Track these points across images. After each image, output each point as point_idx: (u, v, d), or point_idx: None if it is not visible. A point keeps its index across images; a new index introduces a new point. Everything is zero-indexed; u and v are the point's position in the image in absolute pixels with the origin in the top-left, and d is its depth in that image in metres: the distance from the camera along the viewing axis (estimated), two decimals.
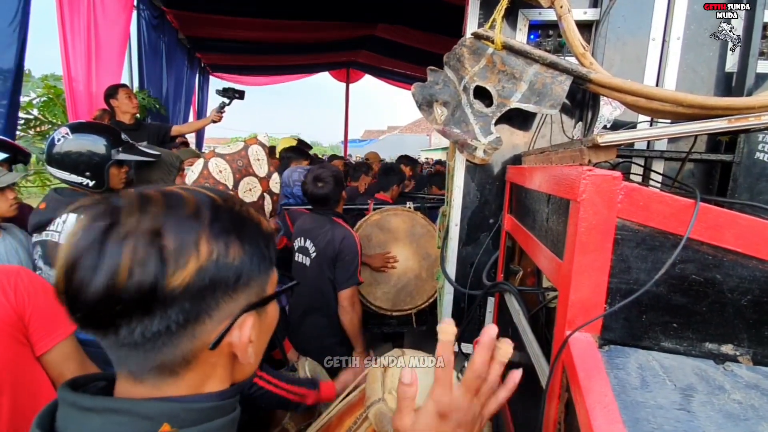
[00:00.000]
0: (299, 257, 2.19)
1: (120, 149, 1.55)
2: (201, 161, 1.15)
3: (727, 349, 0.58)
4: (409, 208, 2.80)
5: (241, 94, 3.51)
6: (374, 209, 2.77)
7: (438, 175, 4.90)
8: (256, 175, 1.17)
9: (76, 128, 1.56)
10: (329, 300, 2.09)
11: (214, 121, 3.44)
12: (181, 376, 0.45)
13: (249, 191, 1.16)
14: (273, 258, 0.50)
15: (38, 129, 4.25)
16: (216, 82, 8.32)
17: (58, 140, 1.48)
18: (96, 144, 1.51)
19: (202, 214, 0.43)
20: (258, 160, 1.19)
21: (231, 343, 0.46)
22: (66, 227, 1.42)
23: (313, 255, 2.11)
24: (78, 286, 0.38)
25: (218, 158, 1.15)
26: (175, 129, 3.42)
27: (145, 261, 0.38)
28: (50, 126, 4.26)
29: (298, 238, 2.19)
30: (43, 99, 4.15)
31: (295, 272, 2.24)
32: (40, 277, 1.03)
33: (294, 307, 2.23)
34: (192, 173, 1.14)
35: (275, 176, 1.23)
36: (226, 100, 3.46)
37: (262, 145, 1.23)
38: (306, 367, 1.59)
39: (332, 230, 2.07)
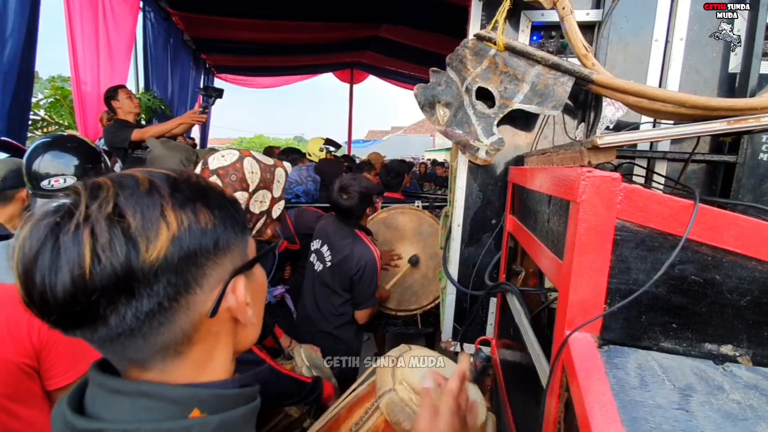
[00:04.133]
0: (313, 258, 2.15)
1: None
2: (236, 152, 1.15)
3: (727, 349, 0.59)
4: (418, 206, 2.78)
5: (219, 93, 3.36)
6: (386, 206, 2.76)
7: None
8: (271, 193, 1.20)
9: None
10: (334, 305, 2.07)
11: (198, 122, 3.10)
12: (186, 354, 0.45)
13: (260, 203, 1.18)
14: (245, 222, 0.51)
15: (45, 130, 4.30)
16: (220, 84, 8.38)
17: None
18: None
19: (160, 188, 0.42)
20: (278, 182, 1.22)
21: (229, 308, 0.47)
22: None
23: (328, 264, 2.05)
24: (42, 290, 0.37)
25: (254, 160, 1.17)
26: (136, 133, 2.90)
27: (110, 244, 0.37)
28: (57, 127, 4.31)
29: (317, 240, 2.14)
30: (50, 100, 4.20)
31: (307, 271, 2.21)
32: None
33: (303, 305, 2.21)
34: (222, 159, 1.13)
35: (282, 203, 1.26)
36: (210, 99, 3.29)
37: (286, 172, 1.26)
38: (302, 354, 1.59)
39: (352, 246, 1.99)
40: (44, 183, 1.35)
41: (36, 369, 0.92)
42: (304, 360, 1.55)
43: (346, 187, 2.02)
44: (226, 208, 0.47)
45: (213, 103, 3.23)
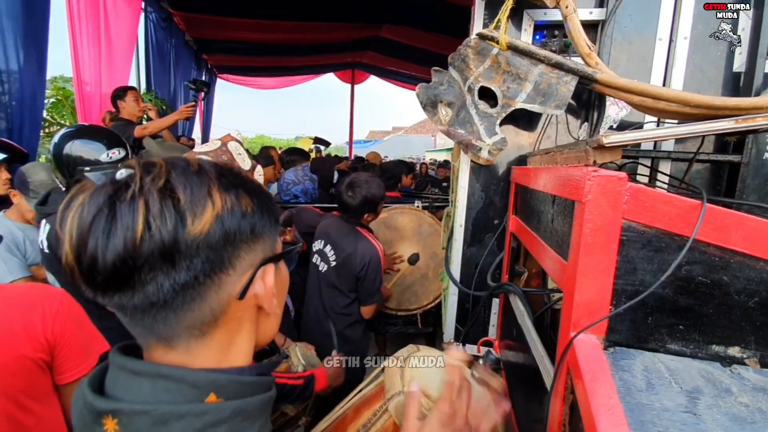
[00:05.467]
0: (316, 259, 2.14)
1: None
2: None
3: (734, 351, 0.58)
4: (418, 207, 2.78)
5: (208, 86, 3.31)
6: (385, 206, 2.76)
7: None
8: (242, 169, 1.20)
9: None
10: (341, 306, 2.07)
11: (188, 118, 3.06)
12: (210, 336, 0.46)
13: None
14: (278, 217, 0.53)
15: (47, 130, 4.31)
16: (222, 84, 8.39)
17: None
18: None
19: (208, 171, 0.45)
20: (239, 154, 1.21)
21: (256, 295, 0.48)
22: (42, 235, 1.43)
23: (332, 263, 2.05)
24: (93, 253, 0.39)
25: (202, 156, 1.16)
26: (137, 130, 2.92)
27: (161, 214, 0.40)
28: (59, 127, 4.32)
29: (319, 240, 2.14)
30: (51, 100, 4.21)
31: (310, 272, 2.20)
32: (79, 305, 1.00)
33: (307, 308, 2.21)
34: None
35: (258, 168, 1.26)
36: (200, 93, 3.22)
37: (239, 141, 1.26)
38: (298, 353, 1.59)
39: (355, 243, 1.99)
40: (103, 156, 1.48)
41: (49, 364, 0.95)
42: (300, 359, 1.55)
43: (354, 186, 2.03)
44: (263, 199, 0.49)
45: (204, 98, 3.17)
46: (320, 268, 2.11)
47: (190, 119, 3.16)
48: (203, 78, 7.15)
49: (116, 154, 1.51)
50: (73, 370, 0.96)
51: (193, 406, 0.42)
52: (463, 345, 1.49)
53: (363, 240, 2.01)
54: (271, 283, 0.49)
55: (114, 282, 0.40)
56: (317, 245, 2.15)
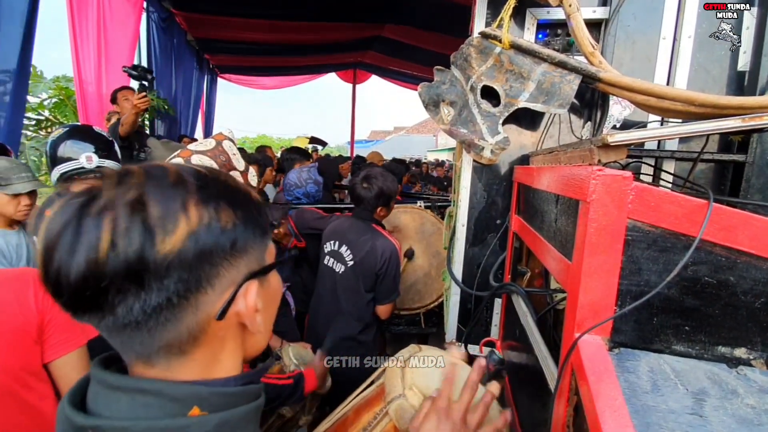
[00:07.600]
0: (330, 261, 2.06)
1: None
2: (180, 161, 1.13)
3: (741, 352, 0.57)
4: (420, 206, 2.78)
5: (151, 73, 3.13)
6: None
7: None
8: (237, 170, 1.18)
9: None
10: (358, 308, 2.00)
11: (145, 110, 2.88)
12: (191, 355, 0.44)
13: None
14: (267, 227, 0.50)
15: (49, 130, 4.32)
16: (224, 84, 8.39)
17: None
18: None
19: (187, 182, 0.42)
20: (234, 154, 1.20)
21: (238, 313, 0.45)
22: None
23: (350, 264, 1.98)
24: (58, 269, 0.37)
25: (200, 155, 1.13)
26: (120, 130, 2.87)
27: (127, 231, 0.37)
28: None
29: (332, 241, 2.06)
30: (54, 100, 4.22)
31: (322, 274, 2.12)
32: None
33: (317, 311, 2.14)
34: None
35: (251, 169, 1.24)
36: (145, 83, 3.04)
37: (231, 140, 1.24)
38: (290, 353, 1.57)
39: (372, 240, 1.94)
40: (82, 159, 1.58)
41: (41, 338, 0.99)
42: (292, 359, 1.53)
43: (370, 177, 2.01)
44: (250, 210, 0.46)
45: (150, 87, 2.93)
46: (336, 270, 2.03)
47: (146, 111, 2.97)
48: (205, 80, 7.16)
49: (93, 160, 1.58)
50: (58, 345, 1.00)
51: (172, 421, 0.41)
52: (466, 345, 1.49)
53: (380, 236, 1.97)
54: (253, 301, 0.46)
55: (80, 302, 0.38)
56: (331, 246, 2.07)
